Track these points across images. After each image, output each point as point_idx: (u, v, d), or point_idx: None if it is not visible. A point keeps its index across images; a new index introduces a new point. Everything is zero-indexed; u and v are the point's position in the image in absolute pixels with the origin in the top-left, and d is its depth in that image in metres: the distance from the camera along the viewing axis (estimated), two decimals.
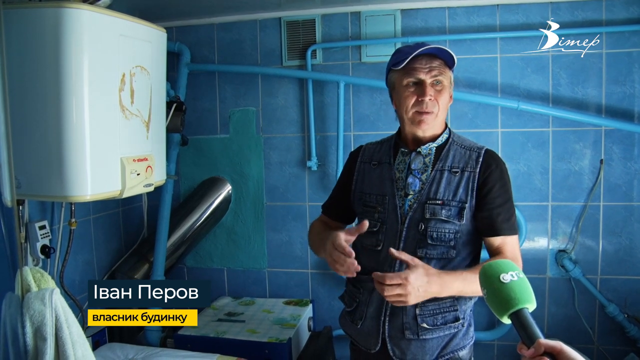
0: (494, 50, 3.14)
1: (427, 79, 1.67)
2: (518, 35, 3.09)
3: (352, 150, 2.01)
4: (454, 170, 1.73)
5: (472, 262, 1.76)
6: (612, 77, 3.04)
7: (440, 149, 1.77)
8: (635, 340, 3.08)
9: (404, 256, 1.54)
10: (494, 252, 1.72)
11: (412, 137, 1.78)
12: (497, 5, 3.12)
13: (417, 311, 1.68)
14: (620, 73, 3.03)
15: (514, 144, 3.18)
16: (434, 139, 1.77)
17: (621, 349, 3.15)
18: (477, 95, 3.11)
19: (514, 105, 3.04)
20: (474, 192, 1.70)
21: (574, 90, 3.09)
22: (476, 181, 1.70)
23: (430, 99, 1.67)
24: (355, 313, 1.82)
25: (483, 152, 1.75)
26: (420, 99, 1.67)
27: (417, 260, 1.53)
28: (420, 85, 1.68)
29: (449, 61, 1.71)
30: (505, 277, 1.08)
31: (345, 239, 1.58)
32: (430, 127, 1.73)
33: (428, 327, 1.69)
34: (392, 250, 1.56)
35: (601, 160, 3.08)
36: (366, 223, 1.57)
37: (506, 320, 1.06)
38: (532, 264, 3.17)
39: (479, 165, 1.72)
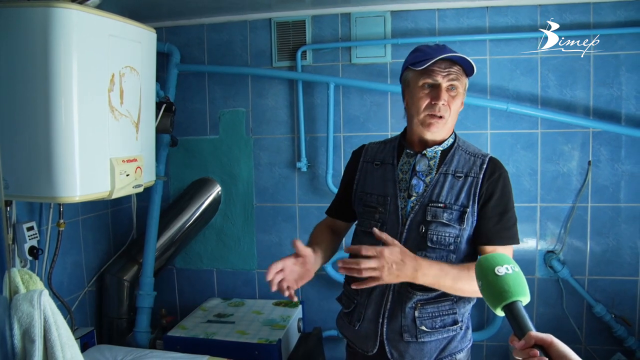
0: (483, 52, 3.16)
1: (444, 82, 1.65)
2: (507, 38, 3.12)
3: (355, 149, 1.99)
4: (457, 174, 1.72)
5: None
6: (600, 79, 3.07)
7: (445, 152, 1.76)
8: (622, 339, 3.11)
9: (385, 236, 1.55)
10: None
11: (419, 139, 1.76)
12: (487, 7, 3.14)
13: (416, 314, 1.68)
14: (607, 75, 3.06)
15: (503, 146, 3.20)
16: (440, 142, 1.75)
17: (608, 349, 3.18)
18: (466, 96, 3.12)
19: (503, 107, 3.06)
20: (476, 198, 1.69)
21: (563, 92, 3.11)
22: (479, 187, 1.69)
23: (443, 104, 1.65)
24: (353, 314, 1.82)
25: (487, 159, 1.74)
26: (433, 103, 1.65)
27: (396, 242, 1.55)
28: (435, 89, 1.65)
29: (467, 69, 1.69)
30: (500, 270, 1.10)
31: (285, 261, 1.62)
32: (439, 131, 1.71)
33: (427, 329, 1.68)
34: (375, 229, 1.57)
35: (589, 162, 3.11)
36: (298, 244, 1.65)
37: (500, 313, 1.07)
38: (520, 264, 3.11)
39: (482, 172, 1.71)
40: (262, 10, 3.33)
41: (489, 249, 1.68)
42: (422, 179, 1.73)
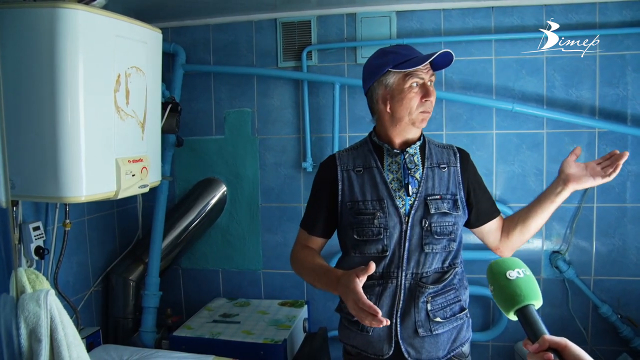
0: (489, 52, 3.15)
1: (427, 79, 1.72)
2: (513, 38, 3.11)
3: (323, 161, 1.94)
4: (442, 166, 1.81)
5: (460, 251, 1.85)
6: (606, 79, 3.06)
7: (422, 148, 1.83)
8: (628, 340, 3.09)
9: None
10: (498, 230, 1.91)
11: (402, 139, 1.81)
12: (492, 7, 3.13)
13: (429, 307, 1.73)
14: (613, 75, 3.05)
15: (508, 146, 3.19)
16: (419, 138, 1.83)
17: (614, 349, 3.17)
18: (472, 96, 3.12)
19: (509, 107, 3.05)
20: (461, 185, 1.81)
21: (568, 92, 3.10)
22: (459, 175, 1.83)
23: (432, 100, 1.73)
24: None
25: (456, 149, 1.89)
26: (425, 100, 1.71)
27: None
28: (424, 87, 1.72)
29: (434, 65, 1.75)
30: (512, 274, 1.10)
31: (360, 284, 1.47)
32: (424, 125, 1.79)
33: (441, 320, 1.74)
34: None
35: None
36: (373, 265, 1.46)
37: (512, 317, 1.07)
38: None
39: (458, 161, 1.84)
40: (267, 11, 3.34)
41: (493, 224, 1.90)
42: (414, 175, 1.78)
